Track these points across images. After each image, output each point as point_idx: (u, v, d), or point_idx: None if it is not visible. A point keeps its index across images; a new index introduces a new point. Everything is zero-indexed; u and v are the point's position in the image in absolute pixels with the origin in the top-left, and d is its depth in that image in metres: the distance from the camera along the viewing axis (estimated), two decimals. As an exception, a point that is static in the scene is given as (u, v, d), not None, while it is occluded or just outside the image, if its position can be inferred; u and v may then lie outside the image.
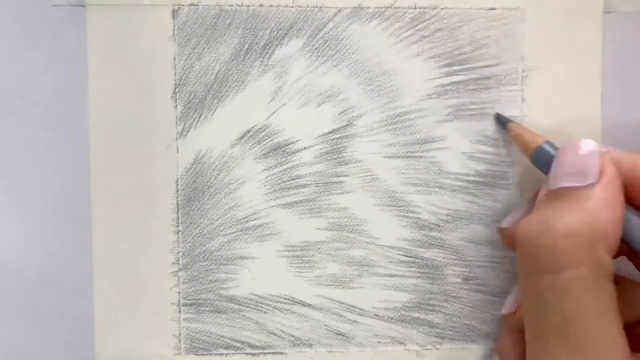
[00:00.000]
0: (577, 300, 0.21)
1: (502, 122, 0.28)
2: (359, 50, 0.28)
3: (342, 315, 0.29)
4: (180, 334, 0.29)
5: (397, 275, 0.29)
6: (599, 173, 0.22)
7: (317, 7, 0.28)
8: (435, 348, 0.29)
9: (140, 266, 0.28)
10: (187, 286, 0.28)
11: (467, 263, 0.29)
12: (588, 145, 0.23)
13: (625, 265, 0.26)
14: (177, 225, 0.28)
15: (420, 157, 0.29)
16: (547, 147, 0.26)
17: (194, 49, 0.28)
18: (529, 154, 0.26)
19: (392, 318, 0.29)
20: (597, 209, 0.22)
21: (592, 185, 0.22)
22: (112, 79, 0.28)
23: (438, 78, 0.29)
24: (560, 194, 0.23)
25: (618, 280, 0.26)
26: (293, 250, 0.29)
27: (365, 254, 0.29)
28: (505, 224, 0.27)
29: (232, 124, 0.28)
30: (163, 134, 0.28)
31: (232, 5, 0.28)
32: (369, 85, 0.28)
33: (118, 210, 0.28)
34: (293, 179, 0.28)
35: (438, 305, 0.29)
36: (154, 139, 0.28)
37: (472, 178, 0.29)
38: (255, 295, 0.29)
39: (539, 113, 0.29)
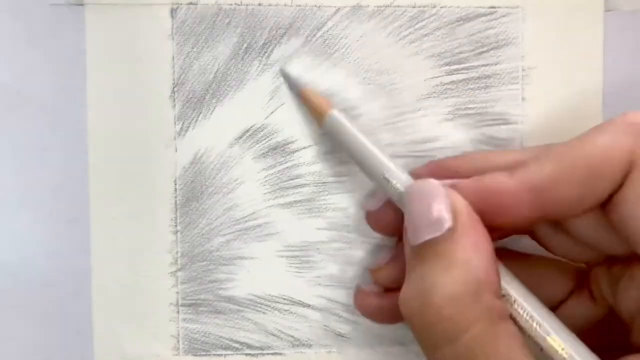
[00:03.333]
0: (484, 357, 0.20)
1: (290, 81, 0.28)
2: (358, 49, 0.28)
3: (341, 316, 0.29)
4: (178, 335, 0.28)
5: (397, 276, 0.29)
6: (454, 214, 0.21)
7: (316, 6, 0.28)
8: (436, 349, 0.29)
9: (139, 266, 0.28)
10: (185, 286, 0.28)
11: (468, 263, 0.29)
12: (432, 189, 0.22)
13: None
14: (176, 225, 0.28)
15: (420, 156, 0.29)
16: (337, 116, 0.26)
17: (193, 48, 0.28)
18: (320, 121, 0.26)
19: (392, 318, 0.29)
20: (466, 257, 0.21)
21: (450, 229, 0.21)
22: (110, 78, 0.28)
23: (438, 77, 0.28)
24: (425, 250, 0.21)
25: (531, 263, 0.26)
26: (292, 251, 0.29)
27: (365, 254, 0.29)
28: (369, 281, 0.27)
29: (231, 123, 0.28)
30: (161, 134, 0.28)
31: (230, 4, 0.28)
32: (368, 84, 0.28)
33: (116, 210, 0.28)
34: (292, 179, 0.28)
35: (438, 306, 0.29)
36: (152, 138, 0.28)
37: (472, 177, 0.29)
38: (254, 295, 0.29)
39: (539, 112, 0.29)
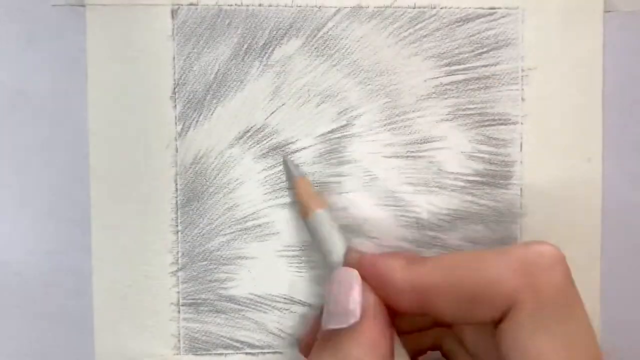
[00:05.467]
0: None
1: (288, 169, 0.28)
2: (358, 50, 0.28)
3: (341, 315, 0.29)
4: (179, 334, 0.28)
5: (397, 275, 0.29)
6: (363, 309, 0.22)
7: (316, 6, 0.28)
8: (435, 348, 0.29)
9: (140, 266, 0.28)
10: (186, 286, 0.28)
11: (467, 263, 0.29)
12: (347, 277, 0.23)
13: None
14: (177, 225, 0.28)
15: (419, 156, 0.29)
16: (322, 215, 0.26)
17: (193, 49, 0.28)
18: (304, 217, 0.27)
19: (391, 318, 0.29)
20: (361, 355, 0.21)
21: (356, 324, 0.22)
22: (111, 78, 0.28)
23: (437, 77, 0.28)
24: (328, 338, 0.22)
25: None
26: (292, 250, 0.29)
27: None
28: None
29: (231, 124, 0.28)
30: (162, 134, 0.28)
31: (231, 5, 0.28)
32: (368, 84, 0.28)
33: (117, 210, 0.28)
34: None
35: (438, 306, 0.29)
36: (153, 139, 0.28)
37: (471, 178, 0.29)
38: (255, 295, 0.29)
39: (539, 112, 0.29)
